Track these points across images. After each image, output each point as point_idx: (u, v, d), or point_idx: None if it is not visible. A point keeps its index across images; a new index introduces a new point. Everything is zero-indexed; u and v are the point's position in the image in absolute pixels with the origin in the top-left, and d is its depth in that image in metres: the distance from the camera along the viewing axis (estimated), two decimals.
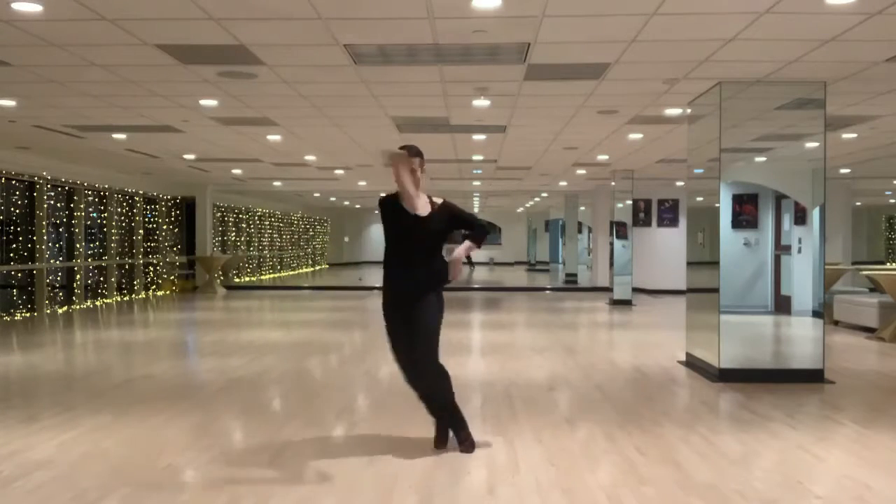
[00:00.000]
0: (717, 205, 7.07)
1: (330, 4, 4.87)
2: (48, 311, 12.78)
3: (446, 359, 8.34)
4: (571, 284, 20.60)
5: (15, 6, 4.84)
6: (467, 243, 4.62)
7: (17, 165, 11.99)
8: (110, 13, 5.02)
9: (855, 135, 9.71)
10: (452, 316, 12.88)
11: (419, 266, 4.46)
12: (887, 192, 20.96)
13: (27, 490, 3.83)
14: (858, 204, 22.10)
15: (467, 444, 4.52)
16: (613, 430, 5.04)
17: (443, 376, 4.51)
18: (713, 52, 5.89)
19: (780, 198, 7.79)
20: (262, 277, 23.49)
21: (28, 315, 12.34)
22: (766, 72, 6.52)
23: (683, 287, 8.66)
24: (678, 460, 4.36)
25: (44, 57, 6.09)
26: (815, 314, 7.12)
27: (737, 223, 7.60)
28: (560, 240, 25.66)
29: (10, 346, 9.18)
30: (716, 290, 6.94)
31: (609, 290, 16.34)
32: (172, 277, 17.81)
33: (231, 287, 19.12)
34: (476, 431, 5.01)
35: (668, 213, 18.25)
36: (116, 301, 15.16)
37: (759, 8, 4.87)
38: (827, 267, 7.67)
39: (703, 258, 7.84)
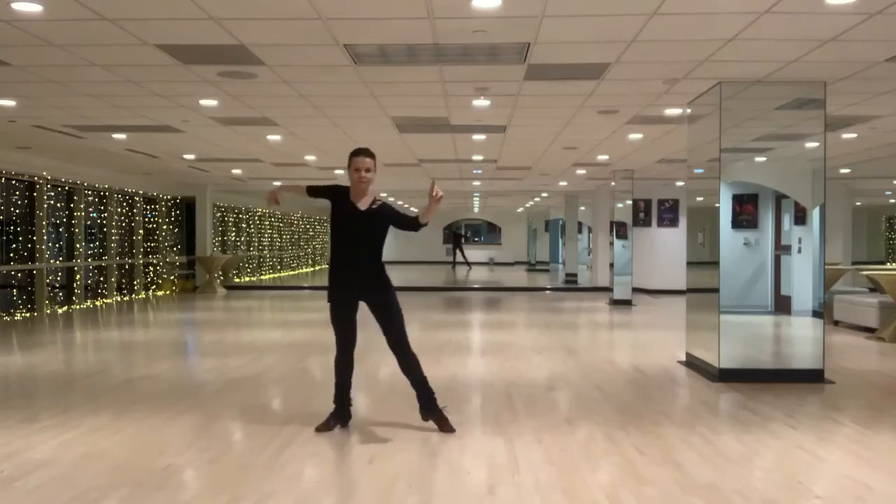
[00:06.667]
0: (717, 205, 7.07)
1: (330, 4, 4.87)
2: (48, 311, 12.78)
3: (447, 359, 8.34)
4: (571, 284, 20.57)
5: (15, 6, 4.84)
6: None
7: (17, 165, 11.99)
8: (110, 13, 5.02)
9: (855, 135, 9.71)
10: (452, 316, 12.89)
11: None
12: (887, 192, 20.95)
13: (27, 490, 3.82)
14: (858, 204, 22.07)
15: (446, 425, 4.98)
16: (613, 430, 5.04)
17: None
18: (713, 52, 5.89)
19: (780, 198, 7.78)
20: (262, 277, 23.48)
21: (28, 315, 12.34)
22: (766, 72, 6.52)
23: (683, 287, 8.66)
24: (678, 460, 4.36)
25: (44, 57, 6.09)
26: (815, 314, 7.11)
27: (737, 223, 7.58)
28: (560, 240, 25.62)
29: (10, 346, 9.18)
30: (716, 290, 6.94)
31: (609, 290, 16.35)
32: (172, 277, 17.80)
33: (231, 287, 19.10)
34: (476, 431, 5.02)
35: (668, 213, 18.23)
36: (116, 301, 15.15)
37: (759, 8, 4.87)
38: (827, 267, 7.66)
39: (703, 258, 7.84)
